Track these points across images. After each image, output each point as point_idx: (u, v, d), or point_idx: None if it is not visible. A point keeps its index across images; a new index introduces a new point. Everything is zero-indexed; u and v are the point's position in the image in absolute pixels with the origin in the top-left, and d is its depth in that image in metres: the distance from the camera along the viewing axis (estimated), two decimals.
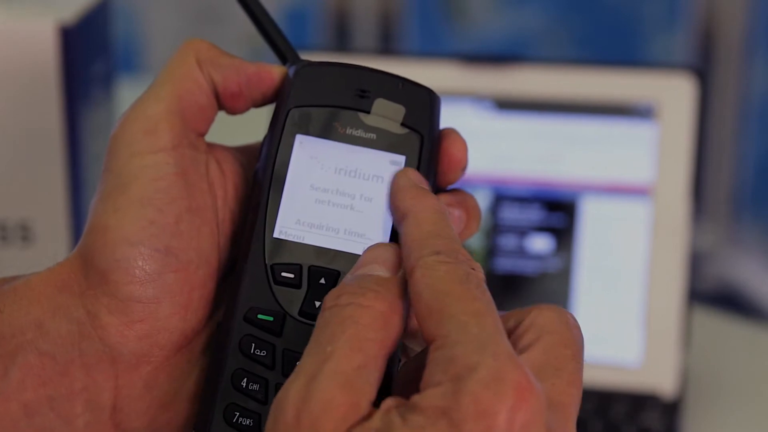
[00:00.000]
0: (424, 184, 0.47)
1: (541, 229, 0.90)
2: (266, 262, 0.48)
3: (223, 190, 0.50)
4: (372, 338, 0.41)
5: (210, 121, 0.51)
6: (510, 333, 0.44)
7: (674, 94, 0.89)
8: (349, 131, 0.50)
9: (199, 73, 0.50)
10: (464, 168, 0.50)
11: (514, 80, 0.90)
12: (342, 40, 2.36)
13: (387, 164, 0.50)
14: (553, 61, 0.91)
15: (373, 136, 0.50)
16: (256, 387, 0.47)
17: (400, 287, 0.43)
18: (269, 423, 0.40)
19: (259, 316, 0.48)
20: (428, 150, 0.50)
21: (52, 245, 0.76)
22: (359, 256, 0.47)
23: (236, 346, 0.48)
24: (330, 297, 0.43)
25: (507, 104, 0.90)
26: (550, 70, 0.90)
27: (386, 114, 0.50)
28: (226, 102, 0.51)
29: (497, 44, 2.30)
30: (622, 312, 0.89)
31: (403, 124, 0.50)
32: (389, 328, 0.42)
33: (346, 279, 0.44)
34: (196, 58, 0.50)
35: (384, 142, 0.50)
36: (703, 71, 0.90)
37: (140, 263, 0.47)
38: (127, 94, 1.05)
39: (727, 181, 2.16)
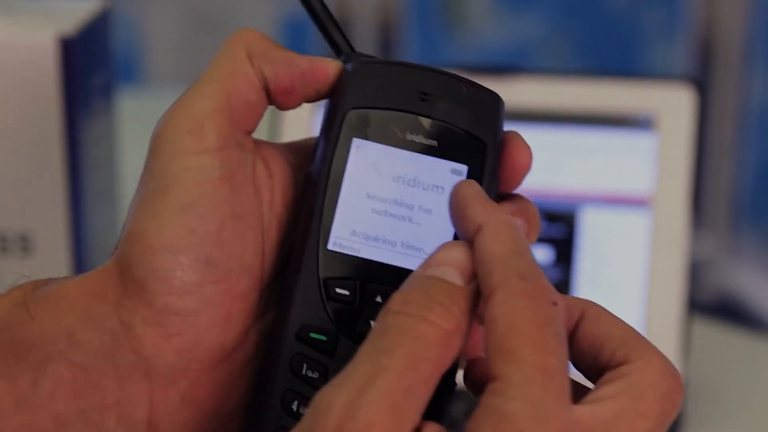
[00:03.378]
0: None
1: (541, 239, 0.90)
2: (319, 275, 0.46)
3: (269, 193, 0.47)
4: (429, 358, 0.39)
5: (259, 118, 0.48)
6: (602, 361, 0.42)
7: (673, 105, 0.89)
8: (409, 137, 0.47)
9: (250, 68, 0.47)
10: (527, 174, 0.48)
11: (514, 91, 0.90)
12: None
13: (448, 173, 0.47)
14: (553, 72, 0.91)
15: (434, 142, 0.47)
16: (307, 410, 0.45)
17: (470, 302, 0.41)
18: (307, 419, 0.39)
19: (312, 335, 0.45)
20: (492, 159, 0.47)
21: (52, 256, 0.76)
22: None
23: (287, 366, 0.45)
24: (396, 301, 0.41)
25: (506, 115, 0.90)
26: (549, 81, 0.90)
27: (449, 119, 0.47)
28: (277, 98, 0.48)
29: (497, 53, 2.30)
30: None
31: (466, 131, 0.47)
32: (449, 349, 0.40)
33: (415, 279, 0.42)
34: (247, 51, 0.47)
35: (446, 150, 0.47)
36: (702, 82, 0.91)
37: (179, 273, 0.45)
38: (127, 104, 1.06)
39: (726, 190, 2.16)
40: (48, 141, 0.75)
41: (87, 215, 0.77)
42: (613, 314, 0.44)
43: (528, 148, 0.48)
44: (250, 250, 0.46)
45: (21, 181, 0.75)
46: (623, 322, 0.44)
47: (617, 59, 2.27)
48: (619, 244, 0.89)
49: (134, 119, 1.07)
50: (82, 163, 0.77)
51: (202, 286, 0.45)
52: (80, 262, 0.77)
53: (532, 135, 0.99)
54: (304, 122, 0.91)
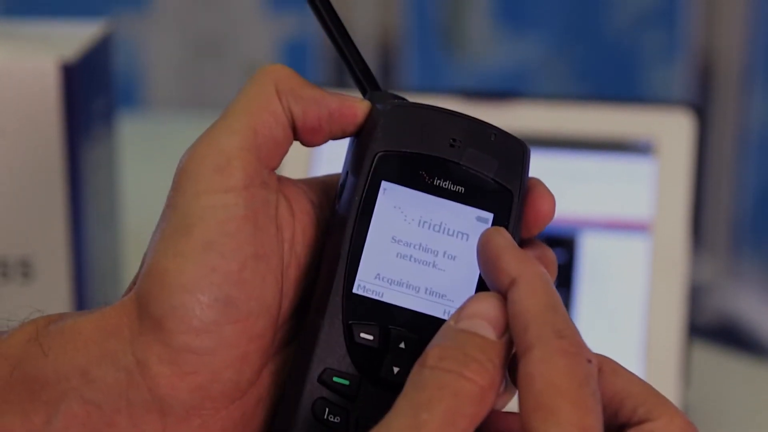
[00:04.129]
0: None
1: None
2: (344, 319, 0.46)
3: (290, 233, 0.47)
4: (466, 414, 0.40)
5: (284, 155, 0.48)
6: (623, 418, 0.42)
7: (673, 130, 0.89)
8: (436, 182, 0.47)
9: (278, 105, 0.47)
10: (550, 222, 0.48)
11: (514, 116, 0.90)
12: (341, 72, 2.37)
13: (473, 221, 0.47)
14: (552, 97, 0.91)
15: (461, 189, 0.47)
16: None
17: (503, 357, 0.42)
18: None
19: (335, 379, 0.45)
20: (518, 208, 0.47)
21: (53, 281, 0.76)
22: (440, 319, 0.45)
23: (309, 410, 0.45)
24: (431, 356, 0.41)
25: None
26: (548, 106, 0.91)
27: (477, 166, 0.47)
28: (303, 136, 0.48)
29: (496, 77, 2.30)
30: (621, 347, 0.89)
31: (493, 179, 0.47)
32: (484, 404, 0.41)
33: (448, 333, 0.42)
34: (276, 88, 0.47)
35: (472, 197, 0.47)
36: (701, 107, 0.91)
37: (198, 312, 0.44)
38: (128, 128, 1.06)
39: (726, 214, 2.16)
40: (49, 166, 0.75)
41: (88, 240, 0.78)
42: (626, 369, 0.45)
43: (551, 196, 0.49)
44: (269, 290, 0.46)
45: (22, 207, 0.75)
46: (637, 377, 0.45)
47: (616, 84, 2.27)
48: (619, 269, 0.89)
49: (135, 143, 1.08)
50: (83, 188, 0.77)
51: (221, 325, 0.45)
52: (81, 287, 0.77)
53: (531, 160, 0.98)
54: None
